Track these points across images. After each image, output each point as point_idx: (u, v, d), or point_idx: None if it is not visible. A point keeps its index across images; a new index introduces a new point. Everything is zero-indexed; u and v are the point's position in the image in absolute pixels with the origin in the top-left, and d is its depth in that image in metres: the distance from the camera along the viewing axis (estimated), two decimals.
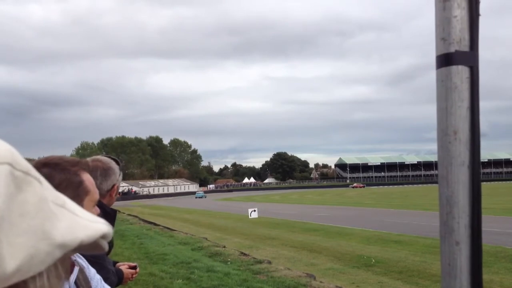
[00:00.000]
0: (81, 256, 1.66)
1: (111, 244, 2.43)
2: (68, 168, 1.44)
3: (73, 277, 1.45)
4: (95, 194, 1.54)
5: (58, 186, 1.38)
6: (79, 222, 0.50)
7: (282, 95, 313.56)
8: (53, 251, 0.46)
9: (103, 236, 0.52)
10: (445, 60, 1.14)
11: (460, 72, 1.14)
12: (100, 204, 2.43)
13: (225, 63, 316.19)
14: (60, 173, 1.42)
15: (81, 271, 1.56)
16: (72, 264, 1.47)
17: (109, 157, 2.51)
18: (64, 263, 0.50)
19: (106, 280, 1.83)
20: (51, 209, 0.47)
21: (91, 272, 1.68)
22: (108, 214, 2.41)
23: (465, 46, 1.13)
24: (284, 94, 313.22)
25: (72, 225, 0.49)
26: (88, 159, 2.36)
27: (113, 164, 2.46)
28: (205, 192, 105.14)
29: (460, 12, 1.13)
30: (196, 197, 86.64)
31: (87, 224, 0.50)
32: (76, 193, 1.44)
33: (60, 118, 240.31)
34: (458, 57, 1.13)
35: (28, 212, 0.45)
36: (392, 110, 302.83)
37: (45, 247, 0.45)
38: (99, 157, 2.49)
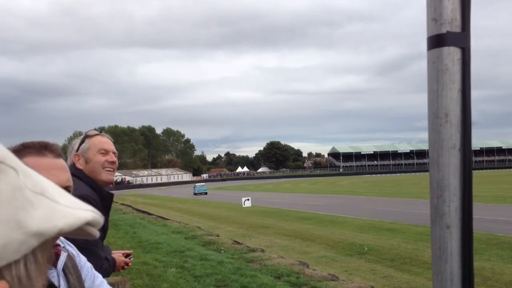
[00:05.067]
0: (70, 244, 1.62)
1: (105, 229, 2.42)
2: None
3: (60, 264, 1.43)
4: (62, 180, 1.40)
5: None
6: (58, 210, 0.48)
7: (273, 85, 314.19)
8: (27, 240, 0.45)
9: (89, 224, 0.50)
10: (436, 41, 1.11)
11: (452, 54, 1.11)
12: (96, 187, 2.42)
13: (215, 53, 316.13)
14: None
15: (70, 258, 1.53)
16: (59, 251, 1.44)
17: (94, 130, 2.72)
18: (45, 250, 0.49)
19: (97, 267, 1.80)
20: (27, 197, 0.46)
21: (82, 260, 1.65)
22: (104, 197, 2.42)
23: (456, 27, 1.10)
24: (275, 84, 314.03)
25: (50, 213, 0.47)
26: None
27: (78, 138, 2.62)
28: (198, 181, 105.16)
29: None
30: None
31: (67, 212, 0.49)
32: None
33: (51, 108, 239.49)
34: (449, 38, 1.10)
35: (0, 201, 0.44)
36: (383, 99, 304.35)
37: (19, 236, 0.44)
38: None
